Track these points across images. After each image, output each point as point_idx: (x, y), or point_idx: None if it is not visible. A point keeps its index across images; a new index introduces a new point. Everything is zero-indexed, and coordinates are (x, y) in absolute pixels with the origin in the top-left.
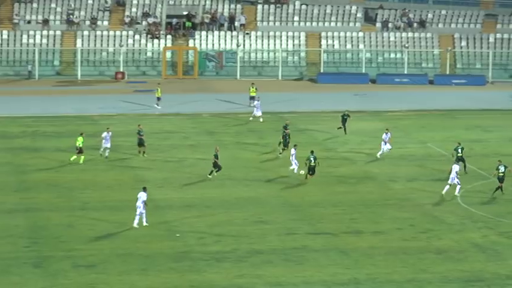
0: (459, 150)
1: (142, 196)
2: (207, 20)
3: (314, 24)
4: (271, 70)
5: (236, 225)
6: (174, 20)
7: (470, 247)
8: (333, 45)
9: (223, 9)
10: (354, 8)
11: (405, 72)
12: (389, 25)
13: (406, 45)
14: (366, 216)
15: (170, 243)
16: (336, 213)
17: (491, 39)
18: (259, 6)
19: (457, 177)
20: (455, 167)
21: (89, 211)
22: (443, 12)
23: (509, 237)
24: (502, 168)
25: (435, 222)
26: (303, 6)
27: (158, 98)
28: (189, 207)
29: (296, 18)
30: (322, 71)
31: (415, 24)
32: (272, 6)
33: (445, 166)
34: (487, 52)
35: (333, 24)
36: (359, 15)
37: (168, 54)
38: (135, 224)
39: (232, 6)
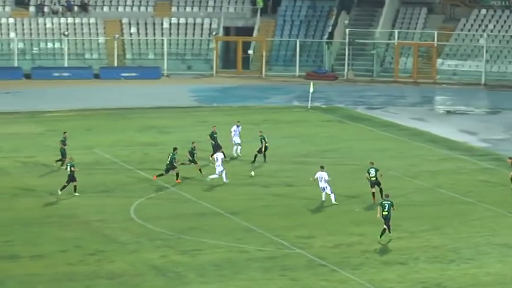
0: (262, 141)
1: None
2: None
3: None
4: None
5: None
6: None
7: (148, 270)
8: None
9: None
10: None
11: (66, 65)
12: (45, 9)
13: (66, 33)
14: (23, 237)
15: None
16: None
17: (166, 25)
18: None
19: (328, 185)
20: (323, 174)
21: None
22: None
23: (192, 256)
24: (372, 172)
25: (106, 242)
26: None
27: None
28: None
29: None
30: None
31: (75, 8)
32: None
33: (114, 176)
34: (161, 40)
35: None
36: None
37: None
38: None
39: None
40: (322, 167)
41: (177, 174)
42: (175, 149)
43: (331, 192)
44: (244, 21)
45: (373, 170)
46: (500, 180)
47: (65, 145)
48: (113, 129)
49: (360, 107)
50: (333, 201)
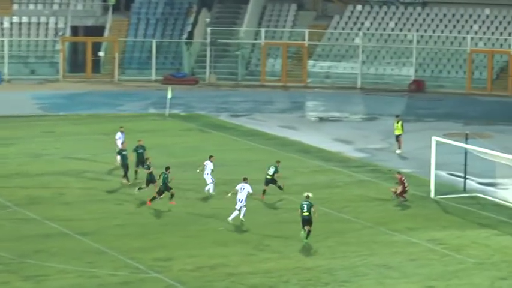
0: (139, 151)
1: None
2: None
3: None
4: None
5: None
6: None
7: None
8: None
9: None
10: None
11: None
12: None
13: None
14: None
15: None
16: None
17: (6, 24)
18: None
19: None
20: (246, 186)
21: None
22: None
23: (37, 282)
24: (271, 170)
25: None
26: None
27: None
28: None
29: None
30: None
31: None
32: None
33: None
34: (1, 41)
35: None
36: None
37: None
38: None
39: None
40: (245, 179)
41: (172, 195)
42: (167, 168)
43: (243, 206)
44: (94, 20)
45: (273, 168)
46: (378, 194)
47: None
48: None
49: (223, 114)
50: (242, 216)
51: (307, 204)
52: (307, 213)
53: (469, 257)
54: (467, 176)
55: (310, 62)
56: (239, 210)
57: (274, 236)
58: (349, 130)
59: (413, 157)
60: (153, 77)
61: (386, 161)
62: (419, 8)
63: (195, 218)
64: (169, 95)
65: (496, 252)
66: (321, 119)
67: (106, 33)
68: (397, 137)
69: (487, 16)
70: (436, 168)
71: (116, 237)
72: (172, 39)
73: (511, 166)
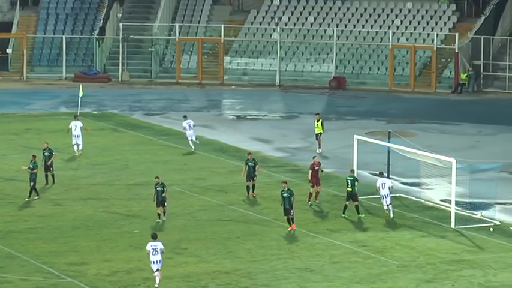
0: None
1: None
2: None
3: None
4: None
5: None
6: None
7: None
8: None
9: None
10: None
11: None
12: None
13: None
14: None
15: None
16: None
17: None
18: None
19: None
20: (387, 181)
21: None
22: None
23: None
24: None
25: None
26: None
27: None
28: None
29: None
30: None
31: None
32: None
33: None
34: None
35: None
36: None
37: None
38: None
39: None
40: (381, 173)
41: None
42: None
43: (390, 205)
44: (1, 16)
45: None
46: (298, 195)
47: None
48: None
49: (137, 112)
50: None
51: (351, 180)
52: (351, 189)
53: (393, 259)
54: (390, 176)
55: (227, 59)
56: (387, 208)
57: (192, 238)
58: (268, 129)
59: (335, 156)
60: (64, 74)
61: (306, 161)
62: (339, 2)
63: (109, 221)
64: (81, 93)
65: (420, 254)
66: (239, 118)
67: (14, 29)
68: (317, 135)
69: (409, 10)
70: (358, 168)
71: (27, 241)
72: (82, 35)
73: (435, 165)
